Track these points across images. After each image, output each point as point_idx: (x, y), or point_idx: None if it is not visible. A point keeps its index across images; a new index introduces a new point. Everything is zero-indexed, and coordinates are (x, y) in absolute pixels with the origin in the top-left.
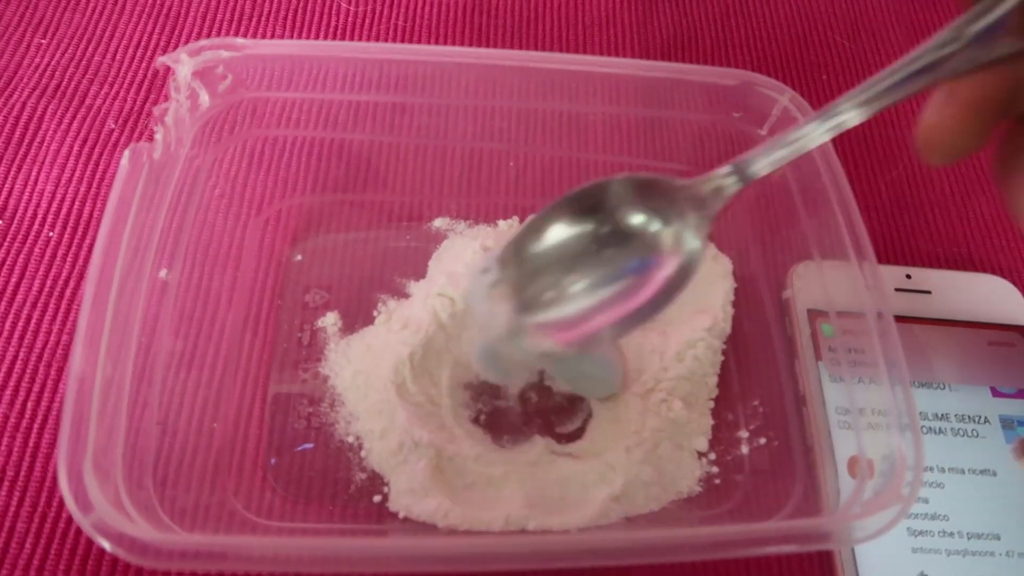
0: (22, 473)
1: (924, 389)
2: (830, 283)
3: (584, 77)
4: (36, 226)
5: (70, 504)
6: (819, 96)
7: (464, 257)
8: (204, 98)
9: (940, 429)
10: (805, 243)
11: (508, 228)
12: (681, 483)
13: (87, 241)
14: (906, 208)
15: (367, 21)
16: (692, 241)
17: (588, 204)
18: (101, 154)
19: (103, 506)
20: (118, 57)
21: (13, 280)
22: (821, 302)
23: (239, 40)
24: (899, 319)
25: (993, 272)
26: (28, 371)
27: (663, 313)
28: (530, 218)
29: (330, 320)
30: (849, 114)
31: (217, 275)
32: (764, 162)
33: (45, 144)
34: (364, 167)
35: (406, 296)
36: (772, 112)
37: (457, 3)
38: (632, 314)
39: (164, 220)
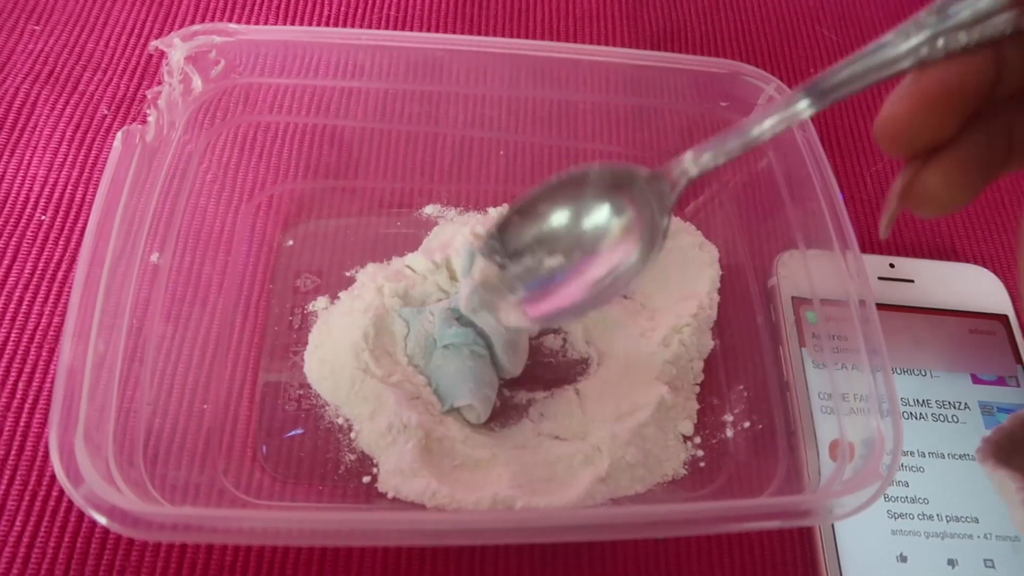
0: (12, 452)
1: (906, 375)
2: (814, 271)
3: (574, 65)
4: (28, 210)
5: (61, 476)
6: None
7: (453, 243)
8: (197, 83)
9: (921, 415)
10: (790, 232)
11: (498, 215)
12: (667, 466)
13: (79, 225)
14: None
15: (359, 11)
16: (659, 223)
17: (568, 191)
18: (94, 139)
19: (94, 479)
20: (111, 44)
21: (5, 263)
22: (805, 290)
23: (232, 25)
24: (882, 307)
25: (975, 262)
26: (20, 353)
27: (631, 290)
28: (514, 202)
29: (320, 305)
30: (802, 105)
31: (209, 259)
32: (713, 154)
33: (38, 129)
34: (356, 154)
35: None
36: (758, 101)
37: None
38: (602, 291)
39: (156, 204)
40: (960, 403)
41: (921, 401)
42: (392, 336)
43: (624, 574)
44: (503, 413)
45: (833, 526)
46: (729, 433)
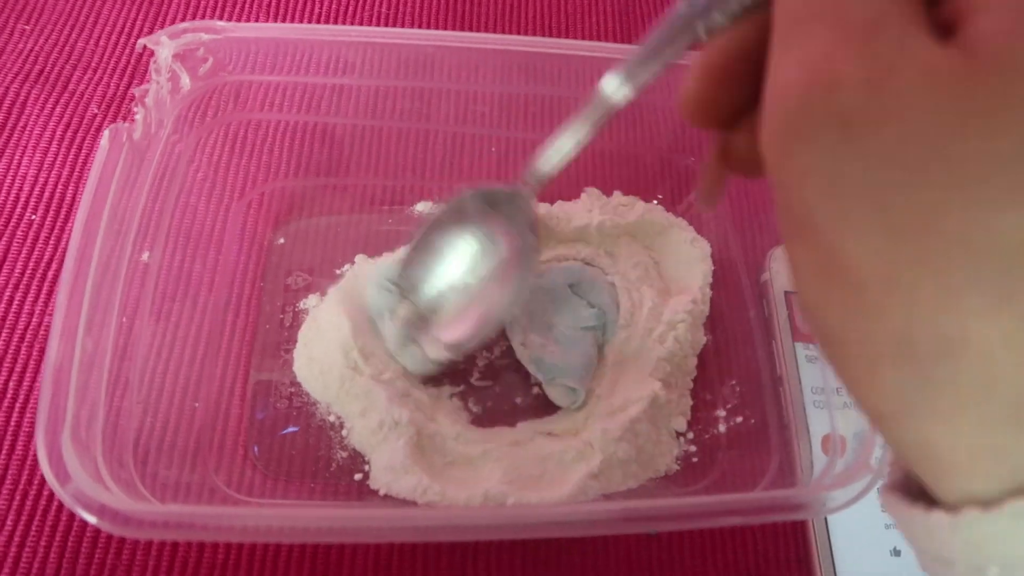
0: (3, 452)
1: None
2: None
3: (565, 61)
4: (19, 209)
5: (48, 475)
6: None
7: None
8: (185, 80)
9: None
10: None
11: (400, 254)
12: (659, 461)
13: (69, 224)
14: None
15: (350, 8)
16: (529, 240)
17: (450, 223)
18: (84, 138)
19: (81, 477)
20: (101, 43)
21: None
22: None
23: (219, 23)
24: None
25: None
26: (10, 352)
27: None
28: (411, 239)
29: (312, 302)
30: (618, 90)
31: (199, 258)
32: (551, 164)
33: (28, 128)
34: (347, 151)
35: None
36: None
37: None
38: (501, 308)
39: (145, 202)
40: None
41: None
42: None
43: (617, 570)
44: (495, 409)
45: (826, 521)
46: (722, 428)
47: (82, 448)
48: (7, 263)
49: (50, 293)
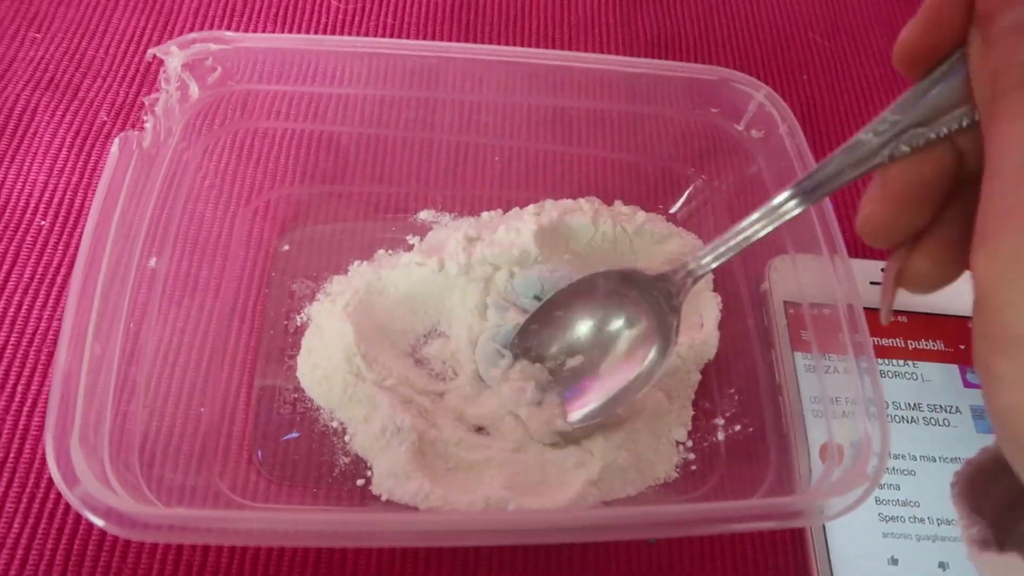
0: (11, 455)
1: (897, 379)
2: (803, 276)
3: (568, 72)
4: (28, 215)
5: (56, 477)
6: (799, 94)
7: (447, 245)
8: (194, 89)
9: (912, 418)
10: (781, 238)
11: (490, 219)
12: (659, 469)
13: (78, 230)
14: None
15: (356, 19)
16: (669, 322)
17: (578, 296)
18: (93, 146)
19: (89, 480)
20: (111, 51)
21: (5, 268)
22: (796, 294)
23: (228, 33)
24: (873, 311)
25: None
26: (19, 357)
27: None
28: (533, 311)
29: (316, 309)
30: (791, 205)
31: (206, 264)
32: (713, 256)
33: (38, 135)
34: (351, 160)
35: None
36: (748, 108)
37: (445, 3)
38: (626, 390)
39: (153, 209)
40: (951, 407)
41: (912, 405)
42: (386, 338)
43: (617, 575)
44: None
45: (825, 529)
46: (720, 436)
47: (90, 451)
48: (16, 268)
49: (58, 298)
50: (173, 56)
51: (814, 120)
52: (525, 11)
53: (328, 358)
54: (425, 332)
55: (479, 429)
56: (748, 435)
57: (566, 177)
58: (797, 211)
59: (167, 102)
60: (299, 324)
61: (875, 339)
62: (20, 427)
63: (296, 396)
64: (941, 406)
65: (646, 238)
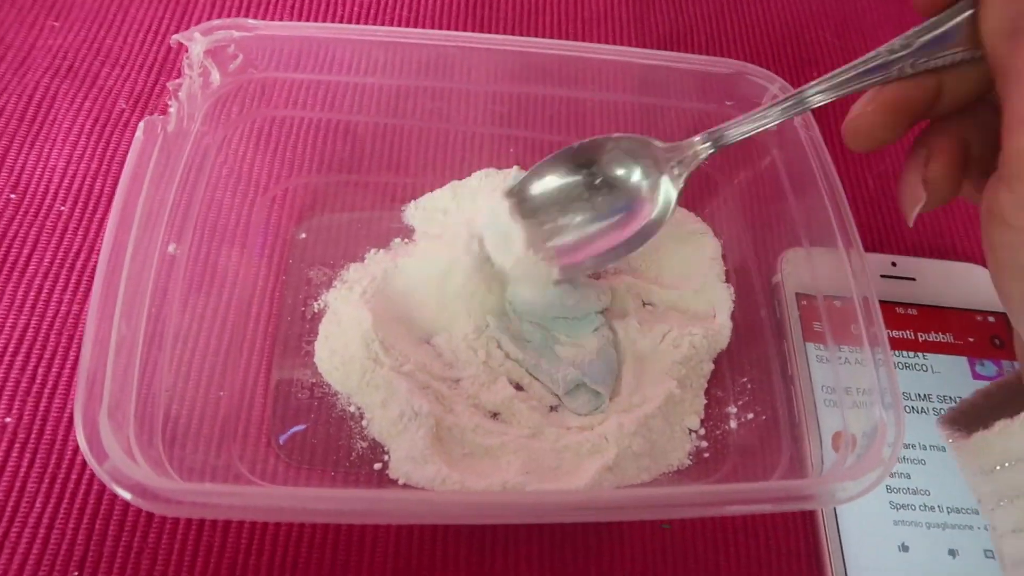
0: (33, 435)
1: (907, 371)
2: (818, 269)
3: (583, 64)
4: (48, 200)
5: (86, 452)
6: None
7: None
8: (215, 76)
9: (922, 408)
10: (794, 230)
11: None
12: (672, 456)
13: (97, 215)
14: (892, 199)
15: (372, 11)
16: (669, 191)
17: (585, 157)
18: (112, 133)
19: (118, 455)
20: (129, 40)
21: (25, 252)
22: (809, 286)
23: (250, 21)
24: (884, 304)
25: (974, 261)
26: (40, 339)
27: (641, 249)
28: (537, 164)
29: (333, 296)
30: (812, 96)
31: (224, 251)
32: (734, 132)
33: (57, 123)
34: (368, 149)
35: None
36: (763, 100)
37: None
38: (617, 247)
39: (175, 195)
40: (960, 397)
41: (922, 395)
42: (402, 324)
43: (632, 560)
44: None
45: (836, 515)
46: (733, 424)
47: (117, 427)
48: (36, 253)
49: (78, 283)
50: (196, 43)
51: (826, 115)
52: (538, 6)
53: (346, 344)
54: (437, 320)
55: (494, 415)
56: (760, 423)
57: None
58: (819, 101)
59: (190, 88)
60: (316, 311)
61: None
62: (41, 409)
63: (314, 381)
64: (951, 397)
65: None
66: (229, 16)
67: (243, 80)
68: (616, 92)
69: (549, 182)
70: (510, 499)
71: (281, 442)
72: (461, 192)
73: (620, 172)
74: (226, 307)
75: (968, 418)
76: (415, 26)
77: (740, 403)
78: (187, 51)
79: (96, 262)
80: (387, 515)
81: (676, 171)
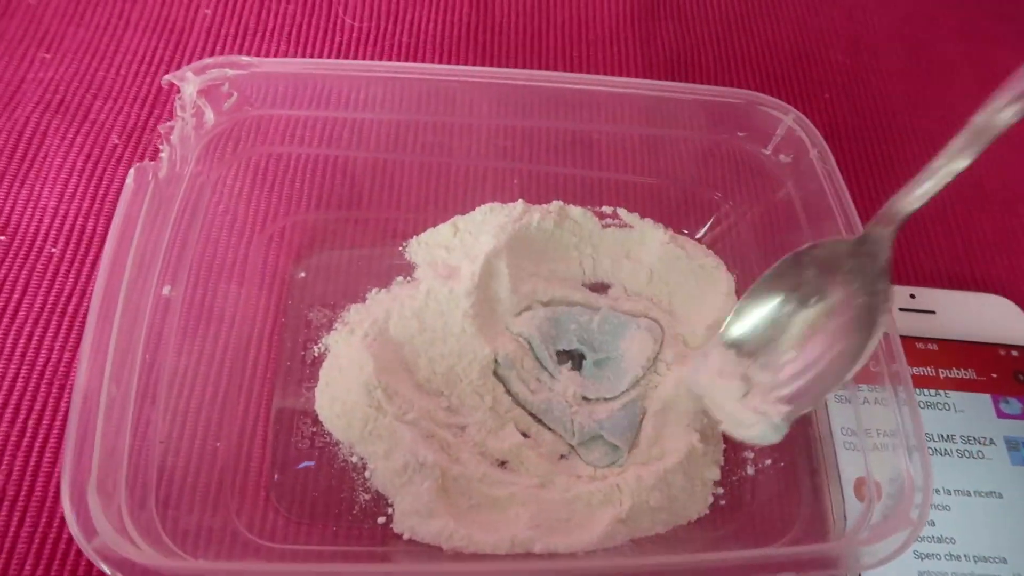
0: (23, 492)
1: (929, 410)
2: None
3: (589, 96)
4: (39, 241)
5: (73, 530)
6: (820, 113)
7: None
8: (209, 116)
9: (946, 450)
10: None
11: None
12: (691, 510)
13: (90, 257)
14: (909, 226)
15: (371, 38)
16: (877, 286)
17: (787, 282)
18: (104, 169)
19: (106, 531)
20: (122, 72)
21: (15, 296)
22: None
23: (244, 58)
24: (904, 339)
25: (995, 291)
26: (30, 389)
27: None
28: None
29: (334, 339)
30: (1006, 115)
31: (221, 292)
32: (918, 199)
33: (48, 159)
34: (368, 184)
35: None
36: (776, 132)
37: (462, 20)
38: (837, 362)
39: (168, 237)
40: (985, 438)
41: (945, 436)
42: (405, 369)
43: None
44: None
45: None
46: (750, 470)
47: (106, 498)
48: (27, 297)
49: (70, 328)
50: (189, 83)
51: (842, 144)
52: (542, 29)
53: (348, 391)
54: (442, 362)
55: (502, 464)
56: (779, 469)
57: (587, 200)
58: (1013, 119)
59: (183, 130)
60: (316, 355)
61: None
62: (31, 463)
63: (314, 430)
64: (975, 437)
65: (669, 263)
66: (223, 46)
67: (238, 118)
68: (623, 123)
69: (756, 321)
70: (520, 567)
71: (278, 495)
72: (464, 227)
73: (825, 294)
74: (223, 351)
75: None
76: (416, 51)
77: (757, 448)
78: (179, 92)
79: (88, 307)
80: None
81: (876, 263)
